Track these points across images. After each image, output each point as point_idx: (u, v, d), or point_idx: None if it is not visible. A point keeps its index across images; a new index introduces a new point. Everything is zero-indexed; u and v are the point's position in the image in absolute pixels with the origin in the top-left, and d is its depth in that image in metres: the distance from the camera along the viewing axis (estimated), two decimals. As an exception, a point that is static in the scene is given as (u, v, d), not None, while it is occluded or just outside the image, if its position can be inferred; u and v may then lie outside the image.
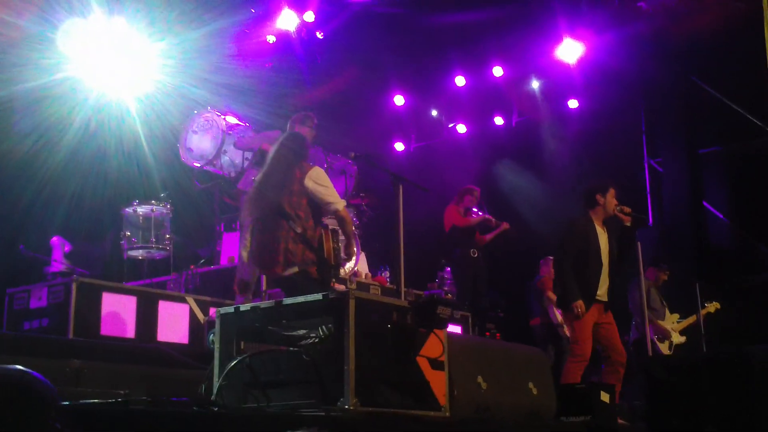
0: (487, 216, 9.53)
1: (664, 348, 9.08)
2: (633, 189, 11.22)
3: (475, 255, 9.34)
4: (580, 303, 6.45)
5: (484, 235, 9.59)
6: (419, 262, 9.87)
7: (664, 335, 9.12)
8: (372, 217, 9.31)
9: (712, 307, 9.18)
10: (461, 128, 13.02)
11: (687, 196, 10.70)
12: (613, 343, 6.58)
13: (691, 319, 9.13)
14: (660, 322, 9.15)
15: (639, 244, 7.58)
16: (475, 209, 9.56)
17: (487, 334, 9.45)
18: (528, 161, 12.32)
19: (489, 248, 9.72)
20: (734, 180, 11.09)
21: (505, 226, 9.63)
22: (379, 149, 12.92)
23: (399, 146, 13.49)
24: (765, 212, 10.46)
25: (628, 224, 6.74)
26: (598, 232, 6.70)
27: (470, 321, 8.94)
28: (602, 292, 6.60)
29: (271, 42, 10.68)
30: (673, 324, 9.22)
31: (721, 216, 10.90)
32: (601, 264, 6.61)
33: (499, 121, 12.73)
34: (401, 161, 13.18)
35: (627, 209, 6.76)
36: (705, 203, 10.90)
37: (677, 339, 9.11)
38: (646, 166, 11.51)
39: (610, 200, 6.73)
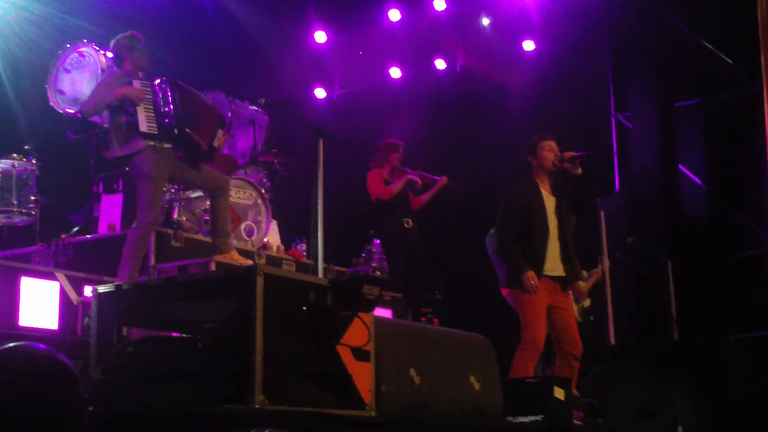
0: (413, 177, 9.44)
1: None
2: (597, 148, 11.26)
3: (409, 225, 9.35)
4: (531, 274, 6.57)
5: (419, 196, 9.58)
6: (343, 233, 9.88)
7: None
8: (286, 177, 9.29)
9: (595, 275, 9.08)
10: (395, 72, 12.99)
11: (659, 158, 10.84)
12: (567, 333, 6.72)
13: (594, 278, 8.96)
14: None
15: (603, 213, 7.73)
16: (406, 169, 9.51)
17: (423, 319, 9.52)
18: (475, 113, 12.36)
19: (428, 215, 9.74)
20: (714, 140, 11.21)
21: (443, 180, 9.62)
22: (296, 96, 12.84)
23: (320, 93, 13.40)
24: (749, 178, 10.65)
25: (576, 172, 6.81)
26: (544, 196, 6.83)
27: (403, 304, 8.99)
28: (552, 266, 6.73)
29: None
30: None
31: (698, 181, 11.07)
32: (547, 232, 6.75)
33: (440, 65, 12.72)
34: (323, 111, 13.11)
35: (568, 154, 6.84)
36: (680, 166, 11.06)
37: (582, 303, 9.01)
38: (612, 121, 11.64)
39: (545, 156, 6.85)
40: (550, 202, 6.85)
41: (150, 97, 6.83)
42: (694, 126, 11.28)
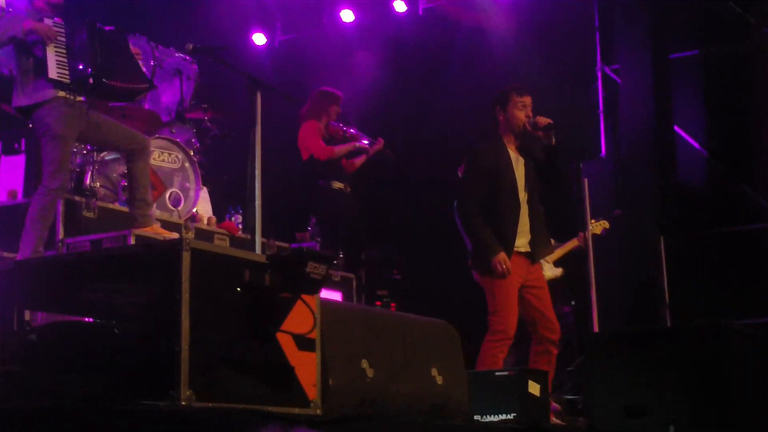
0: (362, 145, 9.52)
1: None
2: (581, 106, 11.48)
3: (347, 190, 9.40)
4: (501, 257, 6.62)
5: (352, 158, 9.65)
6: (285, 203, 9.92)
7: None
8: (218, 137, 9.29)
9: (599, 227, 9.25)
10: (347, 15, 12.95)
11: (651, 118, 10.88)
12: (542, 314, 6.80)
13: (571, 244, 9.19)
14: None
15: (586, 180, 7.77)
16: (343, 126, 9.60)
17: (378, 303, 9.65)
18: (438, 63, 12.39)
19: (382, 180, 9.76)
20: (715, 98, 11.31)
21: (379, 144, 9.68)
22: (231, 42, 12.72)
23: (259, 39, 13.35)
24: (753, 143, 10.81)
25: (550, 142, 6.84)
26: (512, 159, 6.87)
27: (354, 284, 9.03)
28: (523, 241, 6.81)
29: None
30: None
31: (695, 145, 11.19)
32: (518, 202, 6.81)
33: (400, 6, 12.71)
34: (262, 59, 13.10)
35: (543, 120, 6.83)
36: (676, 128, 11.14)
37: (551, 272, 9.03)
38: (599, 75, 11.67)
39: (516, 114, 6.86)
40: (519, 165, 6.89)
41: (63, 39, 6.74)
42: (692, 81, 11.36)
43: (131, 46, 7.30)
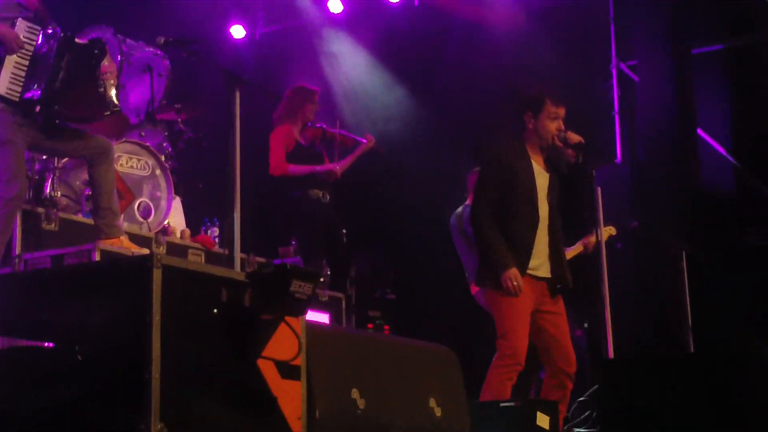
0: (327, 168, 9.30)
1: None
2: (593, 106, 11.42)
3: (325, 199, 9.29)
4: (513, 272, 6.52)
5: (336, 162, 9.46)
6: (267, 214, 9.90)
7: None
8: (193, 140, 9.24)
9: (605, 233, 8.86)
10: (335, 6, 12.95)
11: (672, 119, 10.86)
12: (558, 344, 6.73)
13: (575, 250, 9.11)
14: None
15: (599, 189, 7.73)
16: (324, 127, 9.50)
17: (370, 326, 9.69)
18: (436, 60, 12.39)
19: (371, 187, 9.70)
20: (741, 96, 11.32)
21: (370, 142, 9.59)
22: (207, 35, 12.72)
23: (238, 31, 13.36)
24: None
25: (576, 161, 6.82)
26: (535, 169, 6.78)
27: (343, 305, 9.01)
28: (540, 262, 6.73)
29: None
30: None
31: (720, 149, 11.21)
32: (536, 217, 6.70)
33: (394, -4, 12.81)
34: (241, 54, 13.10)
35: (574, 137, 6.78)
36: (699, 131, 11.10)
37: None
38: (613, 72, 11.61)
39: (546, 125, 6.77)
40: (542, 178, 6.81)
41: (31, 49, 6.70)
42: (716, 79, 11.37)
43: (105, 60, 7.23)
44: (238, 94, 6.04)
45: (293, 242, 9.84)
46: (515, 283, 6.51)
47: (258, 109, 8.49)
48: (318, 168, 9.22)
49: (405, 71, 12.48)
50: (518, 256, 6.62)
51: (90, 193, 7.43)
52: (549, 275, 6.75)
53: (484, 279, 6.82)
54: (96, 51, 6.97)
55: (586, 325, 9.85)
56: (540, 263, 6.72)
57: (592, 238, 8.41)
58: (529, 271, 6.65)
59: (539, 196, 6.74)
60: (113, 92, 7.09)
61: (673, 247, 9.58)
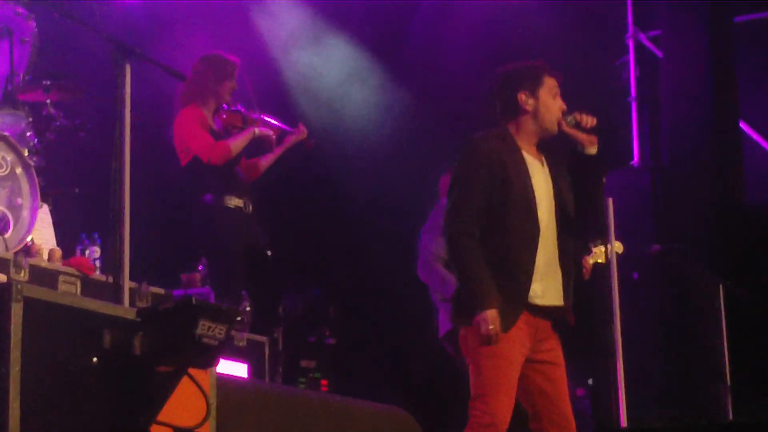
0: (264, 130, 9.39)
1: None
2: (604, 90, 11.61)
3: (247, 209, 9.24)
4: (490, 314, 6.24)
5: (257, 158, 9.55)
6: (167, 229, 10.24)
7: None
8: (67, 129, 9.23)
9: (599, 255, 9.15)
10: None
11: (708, 108, 10.97)
12: (551, 402, 6.53)
13: None
14: None
15: (611, 200, 7.93)
16: (243, 110, 9.49)
17: (303, 381, 9.91)
18: (403, 32, 12.60)
19: (308, 193, 9.69)
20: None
21: (301, 133, 9.60)
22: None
23: (128, -10, 13.45)
24: None
25: (593, 150, 6.66)
26: (528, 164, 6.62)
27: (267, 352, 9.09)
28: (544, 286, 6.51)
29: None
30: None
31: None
32: (536, 228, 6.51)
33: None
34: (133, 18, 12.94)
35: (588, 118, 6.62)
36: (742, 124, 11.21)
37: None
38: (630, 45, 11.75)
39: (548, 102, 6.64)
40: (540, 175, 6.65)
41: None
42: (764, 55, 11.40)
43: None
44: (128, 70, 6.16)
45: (201, 267, 9.94)
46: (491, 327, 6.26)
47: (155, 90, 8.64)
48: (264, 129, 9.36)
49: (364, 42, 12.60)
50: (511, 284, 6.41)
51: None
52: (560, 303, 6.56)
53: (459, 316, 6.62)
54: None
55: (590, 381, 10.05)
56: (544, 287, 6.50)
57: (590, 259, 8.76)
58: (530, 300, 6.47)
59: (537, 198, 6.59)
60: None
61: (707, 280, 9.65)
